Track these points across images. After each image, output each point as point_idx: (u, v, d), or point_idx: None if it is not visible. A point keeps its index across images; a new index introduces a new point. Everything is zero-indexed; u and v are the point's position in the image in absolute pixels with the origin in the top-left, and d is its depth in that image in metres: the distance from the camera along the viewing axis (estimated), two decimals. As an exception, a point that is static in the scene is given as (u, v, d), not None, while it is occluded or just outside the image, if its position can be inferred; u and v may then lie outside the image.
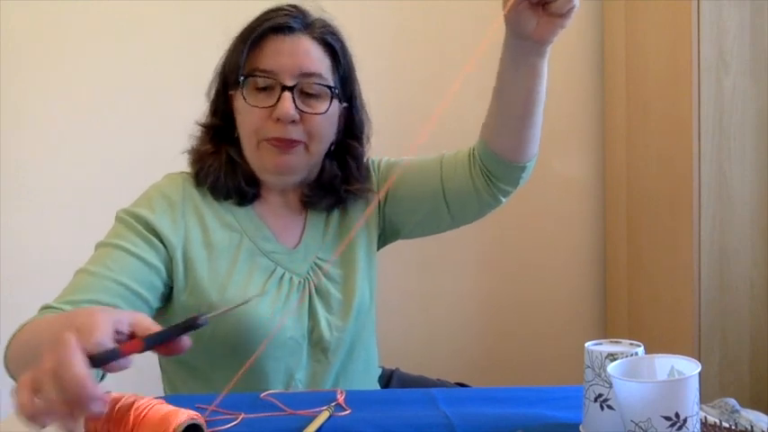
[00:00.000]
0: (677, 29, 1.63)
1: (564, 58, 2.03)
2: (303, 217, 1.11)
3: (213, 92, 1.09)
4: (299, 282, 1.06)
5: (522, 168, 1.04)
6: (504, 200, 1.09)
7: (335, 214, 1.13)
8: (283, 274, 1.05)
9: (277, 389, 1.01)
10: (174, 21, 1.87)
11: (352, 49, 1.09)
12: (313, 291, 1.06)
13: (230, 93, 1.06)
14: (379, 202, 1.15)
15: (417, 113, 1.95)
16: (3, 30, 1.79)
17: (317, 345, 1.05)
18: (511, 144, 1.01)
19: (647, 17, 1.78)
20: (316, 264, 1.08)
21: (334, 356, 1.06)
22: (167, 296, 1.02)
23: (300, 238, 1.09)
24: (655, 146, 1.77)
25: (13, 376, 0.84)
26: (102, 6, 1.83)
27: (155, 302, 0.98)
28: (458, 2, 1.97)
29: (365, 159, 1.15)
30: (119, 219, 1.01)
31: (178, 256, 1.00)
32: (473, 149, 1.08)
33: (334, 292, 1.07)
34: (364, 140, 1.13)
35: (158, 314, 1.01)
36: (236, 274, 1.01)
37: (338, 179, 1.09)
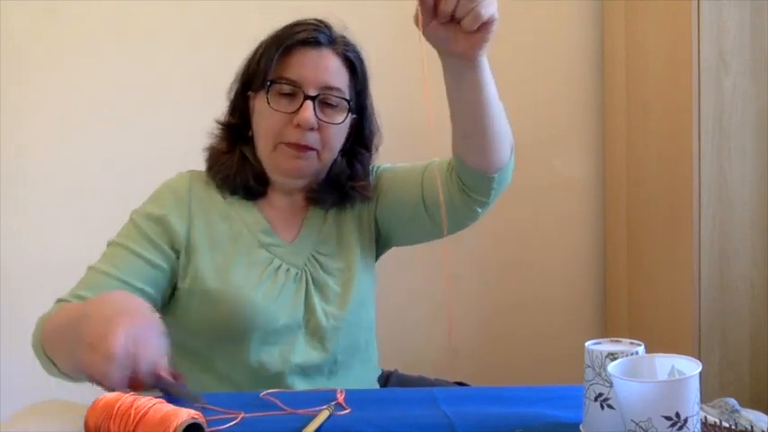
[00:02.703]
0: (677, 29, 1.63)
1: (564, 58, 2.03)
2: (303, 215, 1.16)
3: (233, 92, 1.14)
4: (296, 273, 1.10)
5: (491, 179, 1.04)
6: (480, 211, 1.09)
7: (333, 211, 1.17)
8: (280, 266, 1.09)
9: (273, 372, 1.04)
10: (173, 21, 1.87)
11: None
12: (310, 281, 1.10)
13: (249, 93, 1.11)
14: (372, 207, 1.19)
15: (416, 113, 1.95)
16: (3, 30, 1.79)
17: (314, 333, 1.09)
18: (473, 154, 1.02)
19: (647, 17, 1.78)
20: (313, 256, 1.12)
21: (330, 344, 1.09)
22: (172, 292, 1.09)
23: (298, 232, 1.14)
24: (655, 146, 1.77)
25: (49, 357, 0.94)
26: (102, 6, 1.83)
27: (159, 299, 1.06)
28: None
29: (370, 166, 1.20)
30: (131, 220, 1.08)
31: (182, 243, 1.06)
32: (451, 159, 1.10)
33: (332, 284, 1.11)
34: (372, 149, 1.19)
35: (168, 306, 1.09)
36: (235, 263, 1.07)
37: (344, 176, 1.14)
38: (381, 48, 1.95)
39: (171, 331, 1.09)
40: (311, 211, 1.16)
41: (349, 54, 1.11)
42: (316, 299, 1.10)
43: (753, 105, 1.60)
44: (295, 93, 1.07)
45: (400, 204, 1.15)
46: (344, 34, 1.13)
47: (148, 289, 1.04)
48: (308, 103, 1.05)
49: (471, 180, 1.05)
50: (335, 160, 1.14)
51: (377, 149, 1.20)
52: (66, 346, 0.89)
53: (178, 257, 1.07)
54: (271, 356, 1.06)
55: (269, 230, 1.12)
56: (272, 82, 1.07)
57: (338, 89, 1.09)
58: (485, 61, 0.91)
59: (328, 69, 1.08)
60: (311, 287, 1.10)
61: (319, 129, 1.07)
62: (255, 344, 1.05)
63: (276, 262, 1.09)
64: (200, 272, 1.06)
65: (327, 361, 1.09)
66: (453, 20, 0.82)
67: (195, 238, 1.07)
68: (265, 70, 1.08)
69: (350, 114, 1.11)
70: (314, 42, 1.08)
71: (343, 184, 1.14)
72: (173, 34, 1.87)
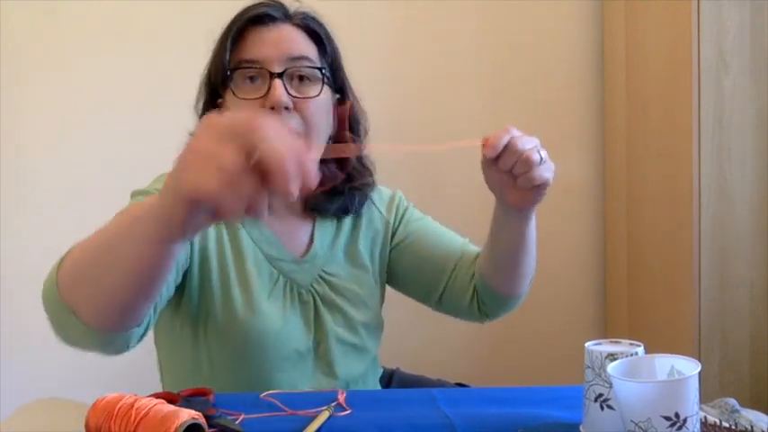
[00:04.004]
0: (677, 29, 1.63)
1: (564, 58, 2.03)
2: (311, 224, 1.09)
3: (201, 104, 1.06)
4: (302, 293, 1.04)
5: (514, 302, 1.08)
6: (488, 320, 1.12)
7: (347, 223, 1.11)
8: (286, 283, 1.03)
9: None
10: (174, 21, 1.87)
11: (343, 46, 1.07)
12: (320, 303, 1.04)
13: (219, 101, 1.03)
14: (390, 240, 1.14)
15: (418, 114, 1.95)
16: (3, 30, 1.79)
17: (323, 358, 1.04)
18: (501, 282, 1.05)
19: (647, 17, 1.78)
20: (321, 276, 1.06)
21: (340, 370, 1.05)
22: (180, 287, 0.98)
23: (309, 247, 1.07)
24: (655, 146, 1.77)
25: (69, 306, 0.71)
26: (102, 6, 1.83)
27: (171, 285, 0.93)
28: (461, 2, 1.97)
29: (395, 194, 1.15)
30: (138, 194, 0.96)
31: (195, 248, 0.98)
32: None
33: (347, 308, 1.06)
34: (362, 132, 1.10)
35: (170, 307, 0.99)
36: (242, 281, 1.00)
37: (341, 181, 1.07)
38: (382, 49, 1.96)
39: (175, 350, 1.04)
40: (320, 220, 1.08)
41: (310, 24, 1.02)
42: (328, 322, 1.04)
43: (753, 105, 1.59)
44: (260, 75, 0.96)
45: (421, 268, 1.12)
46: (300, 8, 1.04)
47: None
48: (276, 82, 0.94)
49: (491, 299, 1.07)
50: (323, 170, 1.04)
51: (366, 134, 1.11)
52: (115, 243, 0.67)
53: (190, 247, 0.96)
54: (279, 384, 0.99)
55: (275, 242, 1.03)
56: (232, 70, 0.97)
57: (306, 58, 0.98)
58: (533, 215, 0.96)
59: (290, 40, 0.98)
60: (321, 309, 1.04)
61: (297, 108, 0.96)
62: (264, 370, 0.99)
63: (282, 279, 1.02)
64: (209, 287, 0.98)
65: (338, 386, 1.03)
66: (511, 173, 0.86)
67: (208, 246, 0.98)
68: (222, 62, 0.98)
69: (327, 89, 1.00)
70: (267, 18, 0.99)
71: (342, 190, 1.06)
72: (173, 34, 1.87)
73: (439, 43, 1.98)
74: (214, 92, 1.04)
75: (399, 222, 1.15)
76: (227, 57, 0.99)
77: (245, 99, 0.96)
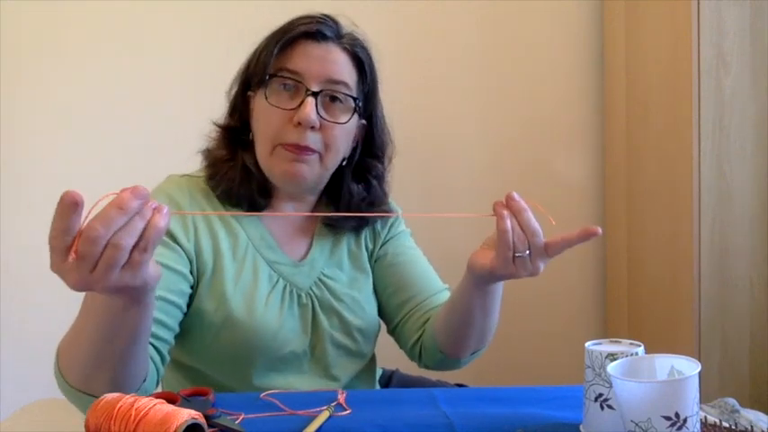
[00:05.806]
0: (677, 29, 1.63)
1: (564, 58, 2.03)
2: (312, 229, 1.10)
3: (233, 92, 1.07)
4: (301, 296, 1.04)
5: (452, 363, 1.09)
6: (427, 369, 1.14)
7: (348, 232, 1.12)
8: (285, 286, 1.04)
9: None
10: (174, 21, 1.87)
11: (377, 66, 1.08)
12: (317, 306, 1.05)
13: (249, 93, 1.04)
14: (377, 251, 1.15)
15: (418, 114, 1.95)
16: (3, 30, 1.79)
17: (319, 360, 1.05)
18: (445, 340, 1.05)
19: (647, 17, 1.78)
20: (320, 279, 1.07)
21: (336, 371, 1.06)
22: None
23: (308, 251, 1.08)
24: (655, 146, 1.77)
25: (72, 384, 0.81)
26: (102, 6, 1.83)
27: (185, 305, 0.98)
28: (461, 3, 1.97)
29: (387, 181, 1.14)
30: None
31: (193, 260, 0.99)
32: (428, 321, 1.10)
33: (345, 312, 1.06)
34: (385, 160, 1.12)
35: None
36: (241, 283, 1.00)
37: (365, 201, 1.09)
38: (382, 49, 1.95)
39: (174, 350, 1.03)
40: (320, 228, 1.10)
41: (357, 51, 1.03)
42: (324, 326, 1.04)
43: (753, 105, 1.60)
44: (297, 88, 0.98)
45: (382, 298, 1.13)
46: (353, 31, 1.05)
47: (176, 298, 0.94)
48: (310, 100, 0.96)
49: (430, 350, 1.08)
50: (350, 186, 1.08)
51: (390, 161, 1.13)
52: (76, 334, 0.79)
53: (191, 263, 0.98)
54: (276, 384, 1.00)
55: (274, 246, 1.04)
56: (272, 75, 0.99)
57: (344, 84, 1.00)
58: (497, 295, 0.99)
59: (335, 62, 1.00)
60: (319, 312, 1.05)
61: (322, 128, 0.98)
62: (260, 370, 1.00)
63: (281, 282, 1.03)
64: (207, 293, 0.98)
65: (334, 387, 1.04)
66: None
67: (203, 254, 0.99)
68: (264, 64, 0.99)
69: (355, 115, 1.03)
70: (318, 35, 1.00)
71: (364, 210, 1.08)
72: (173, 34, 1.87)
73: (439, 43, 1.98)
74: (247, 85, 1.05)
75: (388, 239, 1.16)
76: (271, 61, 1.00)
77: (275, 107, 0.98)
